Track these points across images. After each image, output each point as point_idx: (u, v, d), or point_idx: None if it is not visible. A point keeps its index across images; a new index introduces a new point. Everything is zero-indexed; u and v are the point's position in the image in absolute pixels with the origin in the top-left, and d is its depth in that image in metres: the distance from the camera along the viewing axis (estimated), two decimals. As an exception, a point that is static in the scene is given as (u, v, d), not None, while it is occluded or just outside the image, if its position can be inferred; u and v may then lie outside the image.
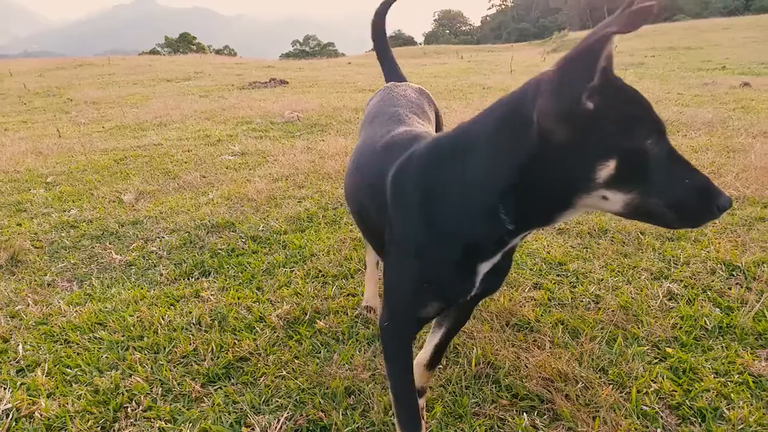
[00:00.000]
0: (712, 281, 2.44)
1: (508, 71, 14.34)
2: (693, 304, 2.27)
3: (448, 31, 70.68)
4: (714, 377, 1.85)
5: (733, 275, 2.50)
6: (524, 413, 1.73)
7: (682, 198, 1.03)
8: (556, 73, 0.99)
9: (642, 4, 0.94)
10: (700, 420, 1.68)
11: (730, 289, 2.38)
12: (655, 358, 1.97)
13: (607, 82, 0.97)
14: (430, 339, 1.67)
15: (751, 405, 1.72)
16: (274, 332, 2.21)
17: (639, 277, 2.54)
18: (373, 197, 1.42)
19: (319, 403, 1.79)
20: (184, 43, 51.21)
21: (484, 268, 1.25)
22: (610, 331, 2.12)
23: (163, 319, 2.36)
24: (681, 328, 2.13)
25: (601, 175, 0.99)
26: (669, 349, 2.00)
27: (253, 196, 4.01)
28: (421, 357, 1.68)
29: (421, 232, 1.23)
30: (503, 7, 75.65)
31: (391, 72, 2.27)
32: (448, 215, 1.18)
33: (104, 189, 4.44)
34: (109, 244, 3.30)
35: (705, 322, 2.14)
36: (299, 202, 3.87)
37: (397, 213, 1.29)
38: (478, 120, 1.19)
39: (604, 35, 0.93)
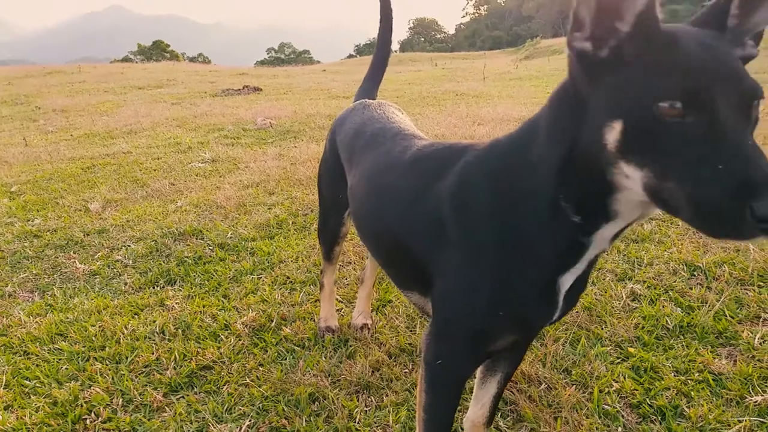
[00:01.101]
0: (674, 281, 2.49)
1: (481, 78, 14.47)
2: (655, 304, 2.31)
3: (423, 39, 71.20)
4: (674, 376, 1.88)
5: (695, 275, 2.55)
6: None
7: (708, 192, 0.76)
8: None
9: None
10: (660, 418, 1.70)
11: (691, 289, 2.42)
12: (618, 357, 2.00)
13: (641, 30, 0.84)
14: (483, 390, 1.47)
15: (711, 402, 1.75)
16: (239, 340, 2.19)
17: (604, 279, 2.57)
18: (414, 220, 1.27)
19: (283, 410, 1.78)
20: (157, 51, 50.68)
21: (567, 281, 1.10)
22: (574, 332, 2.14)
23: (125, 328, 2.31)
24: (643, 327, 2.16)
25: (609, 138, 0.84)
26: (631, 349, 2.02)
27: (222, 203, 3.97)
28: (475, 415, 1.50)
29: (498, 249, 1.09)
30: (477, 15, 76.50)
31: (371, 89, 2.16)
32: (522, 223, 1.06)
33: (70, 198, 4.36)
34: (74, 253, 3.24)
35: (666, 321, 2.18)
36: (269, 208, 3.84)
37: (463, 233, 1.13)
38: (541, 110, 1.08)
39: None
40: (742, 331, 2.09)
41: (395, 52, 59.27)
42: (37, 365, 2.11)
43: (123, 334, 2.27)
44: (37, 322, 2.43)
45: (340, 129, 1.82)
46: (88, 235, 3.51)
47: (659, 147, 0.79)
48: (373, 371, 1.96)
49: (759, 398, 1.74)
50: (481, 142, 1.24)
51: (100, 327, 2.34)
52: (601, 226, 1.01)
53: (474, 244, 1.12)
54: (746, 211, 0.72)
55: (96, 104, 11.17)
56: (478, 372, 1.46)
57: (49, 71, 19.75)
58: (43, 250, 3.30)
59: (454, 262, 1.15)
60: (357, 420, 1.73)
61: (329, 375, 1.94)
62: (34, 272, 2.99)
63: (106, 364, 2.08)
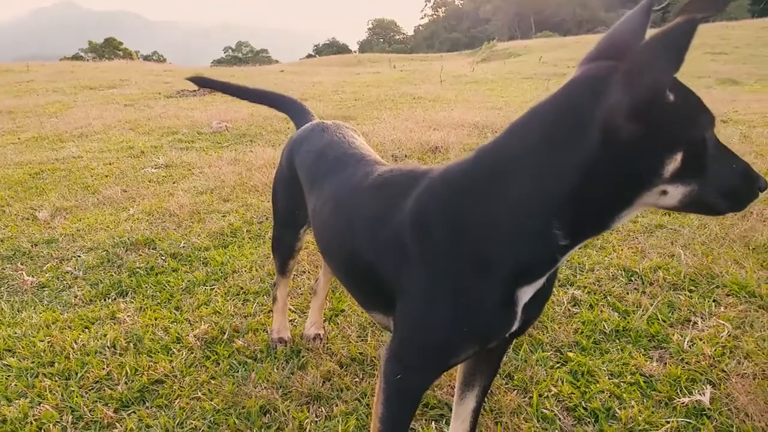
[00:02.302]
0: (613, 287, 2.62)
1: (438, 81, 14.66)
2: (594, 310, 2.43)
3: (382, 40, 71.46)
4: (608, 379, 1.99)
5: (632, 280, 2.69)
6: (433, 422, 1.81)
7: (733, 184, 1.05)
8: (634, 63, 0.94)
9: None
10: (593, 420, 1.81)
11: (628, 294, 2.56)
12: (557, 362, 2.10)
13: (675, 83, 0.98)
14: (462, 406, 1.52)
15: (642, 404, 1.87)
16: (191, 353, 2.20)
17: (556, 277, 2.68)
18: (376, 243, 1.32)
19: (234, 423, 1.81)
20: (109, 49, 49.24)
21: (526, 294, 1.17)
22: (517, 338, 2.24)
23: (75, 343, 2.30)
24: (582, 332, 2.28)
25: (669, 170, 0.99)
26: (570, 354, 2.13)
27: (175, 210, 3.94)
28: (457, 430, 1.55)
29: (456, 268, 1.15)
30: (435, 17, 77.27)
31: (302, 114, 2.20)
32: (489, 244, 1.11)
33: (17, 206, 4.24)
34: (21, 264, 3.17)
35: (604, 326, 2.30)
36: (223, 216, 3.84)
37: (423, 253, 1.19)
38: (508, 136, 1.13)
39: (695, 20, 0.90)
40: (673, 335, 2.23)
41: (354, 52, 59.30)
42: (-18, 383, 2.08)
43: (73, 348, 2.25)
44: (-18, 337, 2.38)
45: (299, 150, 1.85)
46: (36, 245, 3.44)
47: (704, 165, 1.02)
48: (324, 381, 2.01)
49: (686, 399, 1.87)
50: (436, 167, 1.31)
51: (49, 342, 2.31)
52: (584, 241, 1.13)
53: (433, 267, 1.18)
54: (756, 189, 1.07)
55: (45, 105, 10.82)
56: (456, 388, 1.53)
57: (-6, 69, 19.00)
58: (-12, 262, 3.22)
59: (414, 283, 1.21)
60: (307, 431, 1.78)
61: (281, 387, 1.98)
62: (-21, 285, 2.92)
63: (56, 381, 2.07)
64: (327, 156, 1.69)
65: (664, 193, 1.02)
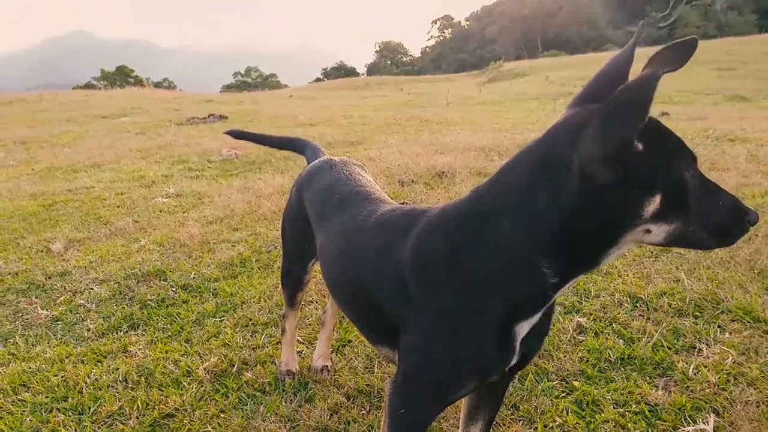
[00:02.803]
0: (618, 313, 2.63)
1: (445, 103, 14.79)
2: (599, 337, 2.45)
3: (389, 62, 72.20)
4: (613, 408, 2.00)
5: (637, 307, 2.70)
6: (439, 455, 1.82)
7: (719, 220, 1.09)
8: (602, 116, 1.02)
9: (683, 39, 1.02)
10: (599, 451, 1.82)
11: (633, 320, 2.57)
12: (563, 391, 2.12)
13: (648, 124, 1.02)
14: None
15: (646, 433, 1.88)
16: (201, 386, 2.24)
17: (553, 312, 2.70)
18: (379, 280, 1.38)
19: (243, 457, 1.84)
20: (121, 76, 50.17)
21: (523, 329, 1.21)
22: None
23: (88, 377, 2.34)
24: (587, 361, 2.29)
25: (648, 210, 1.04)
26: (575, 383, 2.15)
27: (186, 241, 4.01)
28: None
29: (454, 305, 1.20)
30: (442, 38, 78.04)
31: (314, 152, 2.25)
32: (484, 283, 1.16)
33: (32, 238, 4.33)
34: (35, 298, 3.24)
35: (609, 354, 2.31)
36: (233, 245, 3.90)
37: (422, 291, 1.24)
38: (499, 179, 1.20)
39: (656, 76, 0.96)
40: (678, 362, 2.24)
41: (362, 75, 59.91)
42: (0, 417, 2.12)
43: (86, 383, 2.29)
44: (0, 372, 2.44)
45: (308, 187, 1.92)
46: (50, 278, 3.51)
47: (686, 204, 1.07)
48: (331, 414, 2.04)
49: (690, 429, 1.87)
50: (434, 207, 1.37)
51: (62, 377, 2.36)
52: (575, 279, 1.18)
53: (432, 304, 1.23)
54: (746, 223, 1.11)
55: (58, 135, 11.05)
56: (461, 421, 1.57)
57: (9, 100, 19.42)
58: (4, 295, 3.29)
59: (416, 319, 1.26)
60: (315, 464, 1.80)
61: (288, 420, 2.01)
62: (-5, 319, 2.99)
63: (69, 416, 2.11)
64: (334, 194, 1.76)
65: (648, 231, 1.08)
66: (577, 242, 1.10)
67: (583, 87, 1.19)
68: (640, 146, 1.02)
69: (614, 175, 1.02)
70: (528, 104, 14.30)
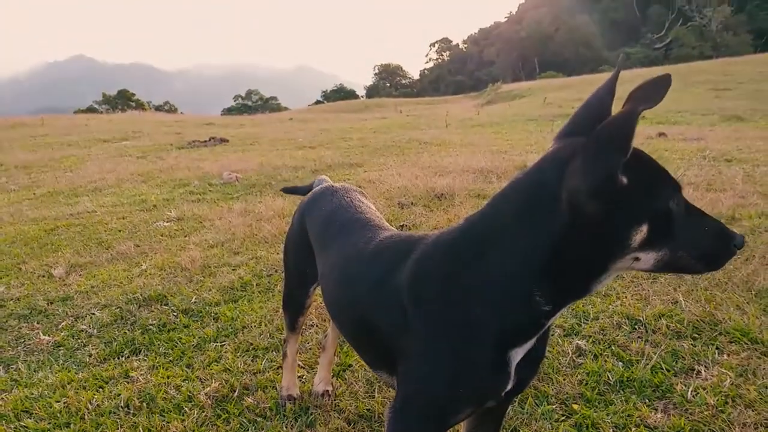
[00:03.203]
0: (617, 336, 2.65)
1: (444, 125, 14.90)
2: (598, 360, 2.46)
3: (388, 84, 72.84)
4: (613, 431, 2.01)
5: (636, 329, 2.72)
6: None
7: (706, 245, 1.14)
8: (587, 151, 1.07)
9: (659, 76, 1.07)
10: (599, 474, 1.82)
11: (632, 342, 2.59)
12: (562, 415, 2.13)
13: (633, 156, 1.06)
14: None
15: (647, 456, 1.89)
16: (203, 412, 2.25)
17: (552, 335, 2.72)
18: (378, 307, 1.41)
19: (244, 483, 1.84)
20: (122, 100, 50.59)
21: (518, 355, 1.24)
22: (523, 392, 2.27)
23: (90, 403, 2.35)
24: (587, 384, 2.30)
25: (636, 240, 1.08)
26: (575, 405, 2.16)
27: (187, 265, 4.03)
28: None
29: (449, 332, 1.23)
30: (440, 60, 78.84)
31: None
32: (478, 310, 1.19)
33: (33, 263, 4.36)
34: (37, 323, 3.25)
35: (608, 377, 2.32)
36: (234, 269, 3.92)
37: (419, 318, 1.27)
38: (490, 210, 1.24)
39: (636, 113, 1.02)
40: (677, 384, 2.25)
41: (361, 97, 60.43)
42: (0, 445, 2.13)
43: (88, 409, 2.30)
44: (2, 398, 2.45)
45: (310, 213, 1.96)
46: (51, 303, 3.53)
47: (672, 232, 1.11)
48: (332, 439, 2.04)
49: (690, 450, 1.88)
50: (431, 234, 1.40)
51: (64, 403, 2.37)
52: (567, 306, 1.22)
53: (429, 330, 1.26)
54: (732, 247, 1.15)
55: (60, 159, 11.12)
56: None
57: (11, 124, 19.57)
58: (6, 321, 3.31)
59: (413, 345, 1.29)
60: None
61: (290, 445, 2.02)
62: (-3, 345, 3.00)
63: (70, 442, 2.11)
64: (335, 220, 1.80)
65: (637, 259, 1.12)
66: (568, 271, 1.14)
67: (568, 120, 1.24)
68: (624, 180, 1.06)
69: (601, 207, 1.07)
70: (526, 126, 14.39)
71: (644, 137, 10.18)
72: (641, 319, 2.78)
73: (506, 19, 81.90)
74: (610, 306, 2.96)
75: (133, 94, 55.08)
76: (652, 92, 1.06)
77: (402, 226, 4.77)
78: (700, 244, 1.14)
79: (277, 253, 4.16)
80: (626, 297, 3.05)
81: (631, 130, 1.03)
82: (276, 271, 3.81)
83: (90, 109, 44.75)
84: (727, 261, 1.19)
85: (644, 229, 1.09)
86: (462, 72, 69.10)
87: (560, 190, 1.10)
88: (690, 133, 10.20)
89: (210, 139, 12.65)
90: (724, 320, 2.68)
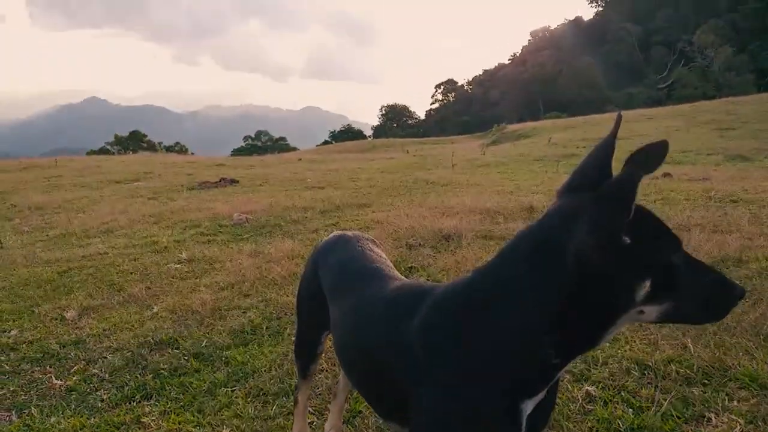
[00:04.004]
0: (627, 381, 2.65)
1: (450, 165, 15.05)
2: (608, 406, 2.46)
3: (395, 125, 73.79)
4: (624, 480, 2.00)
5: (645, 374, 2.72)
6: None
7: (707, 297, 1.18)
8: (591, 212, 1.12)
9: (657, 142, 1.13)
10: None
11: (642, 388, 2.59)
12: (573, 463, 2.12)
13: (635, 213, 1.11)
14: None
15: (659, 505, 1.87)
16: (214, 458, 2.26)
17: (562, 380, 2.72)
18: (389, 358, 1.43)
19: None
20: (134, 141, 51.49)
21: (528, 406, 1.25)
22: (533, 438, 2.27)
23: (102, 449, 2.37)
24: (597, 431, 2.30)
25: (640, 294, 1.13)
26: (586, 454, 2.15)
27: (197, 307, 4.07)
28: None
29: (459, 384, 1.24)
30: (446, 101, 80.00)
31: None
32: (489, 362, 1.21)
33: (46, 306, 4.41)
34: (50, 367, 3.28)
35: (619, 424, 2.32)
36: (244, 312, 3.96)
37: (429, 369, 1.30)
38: (498, 263, 1.28)
39: (638, 176, 1.08)
40: None
41: (369, 137, 61.20)
42: (12, 492, 2.14)
43: (99, 456, 2.32)
44: (14, 445, 2.47)
45: (324, 261, 1.99)
46: (64, 347, 3.56)
47: (675, 285, 1.15)
48: (343, 487, 2.05)
49: (702, 500, 1.87)
50: (440, 285, 1.45)
51: (76, 449, 2.39)
52: (576, 357, 1.26)
53: (439, 383, 1.28)
54: (733, 298, 1.20)
55: (72, 200, 11.28)
56: None
57: (25, 166, 19.89)
58: (19, 365, 3.34)
59: (424, 396, 1.31)
60: None
61: (301, 493, 2.02)
62: (12, 389, 3.03)
63: (82, 489, 2.13)
64: (347, 269, 1.85)
65: (641, 312, 1.17)
66: (575, 325, 1.18)
67: (571, 175, 1.29)
68: (627, 239, 1.12)
69: (605, 264, 1.12)
70: (531, 166, 14.54)
71: (649, 178, 10.19)
72: (651, 364, 2.78)
73: (510, 61, 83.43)
74: (619, 351, 2.97)
75: (145, 135, 56.03)
76: (651, 158, 1.13)
77: (411, 267, 4.81)
78: (701, 296, 1.18)
79: (287, 296, 4.20)
80: (635, 341, 3.06)
81: (633, 193, 1.08)
82: (286, 314, 3.84)
83: (102, 150, 45.56)
84: (728, 312, 1.24)
85: (647, 284, 1.13)
86: (467, 112, 70.00)
87: (565, 248, 1.14)
88: (695, 173, 10.26)
89: (220, 180, 12.82)
90: (734, 366, 2.68)
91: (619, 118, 1.28)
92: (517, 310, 1.20)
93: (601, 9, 79.25)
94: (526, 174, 12.53)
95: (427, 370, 1.31)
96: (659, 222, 1.20)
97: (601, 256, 1.11)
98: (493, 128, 34.17)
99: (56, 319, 4.12)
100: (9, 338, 3.74)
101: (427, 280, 4.38)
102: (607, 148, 1.25)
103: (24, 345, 3.62)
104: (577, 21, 78.49)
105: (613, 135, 1.26)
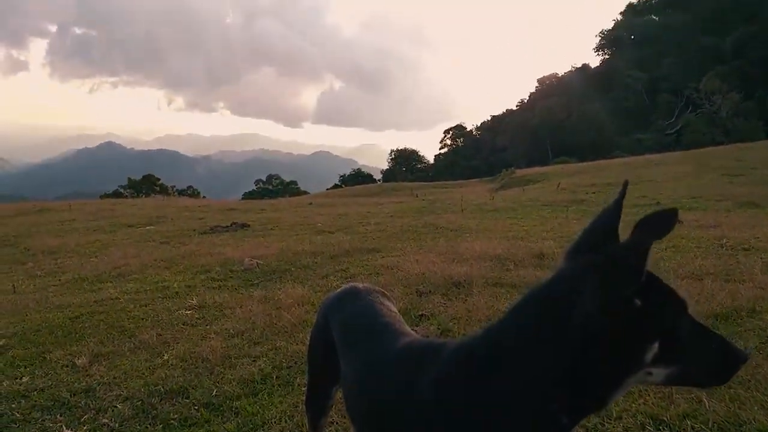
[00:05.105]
0: (641, 437, 2.61)
1: (459, 210, 15.11)
2: (623, 463, 2.42)
3: (404, 169, 74.41)
4: None
5: (660, 429, 2.68)
6: None
7: (713, 362, 1.20)
8: (602, 276, 1.13)
9: (666, 209, 1.16)
10: None
11: (657, 444, 2.55)
12: None
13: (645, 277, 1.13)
14: None
15: None
16: None
17: (575, 435, 2.68)
18: (401, 416, 1.44)
19: None
20: (147, 185, 52.27)
21: None
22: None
23: (110, 502, 2.35)
24: (612, 489, 2.26)
25: (648, 357, 1.15)
26: None
27: (207, 355, 4.07)
28: None
29: None
30: (454, 146, 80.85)
31: None
32: (499, 422, 1.22)
33: (58, 352, 4.43)
34: (60, 416, 3.28)
35: (634, 481, 2.28)
36: (254, 360, 3.95)
37: (441, 427, 1.30)
38: (507, 322, 1.30)
39: (648, 242, 1.11)
40: (705, 491, 2.20)
41: (378, 181, 61.69)
42: None
43: None
44: (21, 496, 2.46)
45: (334, 315, 2.00)
46: (74, 395, 3.57)
47: (682, 348, 1.17)
48: None
49: None
50: (450, 342, 1.46)
51: (84, 502, 2.37)
52: (585, 418, 1.27)
53: None
54: (737, 362, 1.22)
55: (85, 244, 11.41)
56: None
57: (39, 209, 20.21)
58: (30, 413, 3.34)
59: None
60: None
61: None
62: (20, 439, 3.03)
63: None
64: (358, 324, 1.86)
65: (649, 373, 1.19)
66: (583, 386, 1.19)
67: (578, 237, 1.32)
68: (638, 302, 1.14)
69: (615, 326, 1.14)
70: (541, 211, 14.53)
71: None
72: (666, 419, 2.74)
73: (518, 107, 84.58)
74: (633, 405, 2.93)
75: (158, 179, 56.88)
76: (661, 224, 1.15)
77: (421, 315, 4.81)
78: (707, 360, 1.20)
79: (297, 344, 4.20)
80: (649, 395, 3.02)
81: (646, 258, 1.11)
82: (296, 363, 3.83)
83: (116, 194, 46.23)
84: (732, 376, 1.25)
85: (655, 346, 1.15)
86: (476, 157, 70.59)
87: (575, 309, 1.16)
88: (706, 220, 10.23)
89: (232, 224, 12.95)
90: (749, 420, 2.64)
91: (625, 186, 1.32)
92: (526, 370, 1.21)
93: (607, 57, 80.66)
94: (536, 219, 12.54)
95: (440, 428, 1.32)
96: (667, 286, 1.22)
97: (611, 318, 1.13)
98: (502, 173, 34.35)
99: (67, 366, 4.14)
100: (20, 385, 3.75)
101: (438, 328, 4.37)
102: (614, 212, 1.29)
103: (35, 392, 3.63)
104: (584, 68, 79.77)
105: (620, 200, 1.30)
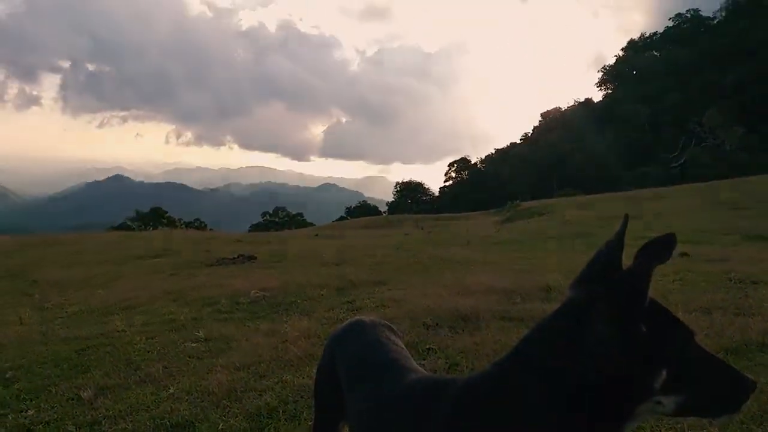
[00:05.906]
0: (653, 473, 2.57)
1: (465, 242, 15.11)
2: (635, 500, 2.37)
3: (409, 201, 74.67)
4: None
5: (673, 465, 2.64)
6: None
7: (722, 388, 1.19)
8: (607, 303, 1.15)
9: (665, 235, 1.19)
10: None
11: (670, 481, 2.51)
12: None
13: (648, 303, 1.15)
14: None
15: None
16: None
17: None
18: None
19: None
20: (155, 217, 52.61)
21: None
22: None
23: None
24: None
25: (657, 384, 1.14)
26: None
27: (214, 389, 4.04)
28: None
29: None
30: (459, 179, 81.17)
31: None
32: None
33: (63, 385, 4.41)
34: (65, 450, 3.26)
35: None
36: (260, 394, 3.92)
37: None
38: (515, 357, 1.30)
39: (651, 267, 1.14)
40: None
41: (384, 213, 61.85)
42: None
43: None
44: None
45: (340, 350, 1.99)
46: (80, 428, 3.55)
47: (690, 376, 1.17)
48: None
49: None
50: (459, 379, 1.46)
51: None
52: None
53: None
54: (747, 391, 1.20)
55: (93, 276, 11.46)
56: None
57: (48, 242, 20.34)
58: (35, 447, 3.33)
59: None
60: None
61: None
62: (25, 473, 3.01)
63: None
64: (364, 359, 1.84)
65: (659, 403, 1.18)
66: (594, 417, 1.18)
67: (582, 269, 1.34)
68: (644, 327, 1.16)
69: (622, 353, 1.15)
70: (546, 244, 14.53)
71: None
72: (678, 454, 2.70)
73: (522, 140, 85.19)
74: (645, 440, 2.89)
75: (165, 212, 57.25)
76: (661, 250, 1.18)
77: (428, 349, 4.77)
78: (716, 387, 1.20)
79: (303, 377, 4.17)
80: (660, 430, 2.98)
81: (648, 281, 1.14)
82: (302, 397, 3.80)
83: (123, 226, 46.49)
84: (743, 403, 1.24)
85: (664, 373, 1.16)
86: (481, 189, 70.78)
87: (582, 339, 1.18)
88: (713, 254, 10.19)
89: (238, 257, 12.98)
90: (764, 458, 2.59)
91: (626, 218, 1.35)
92: (536, 404, 1.21)
93: (610, 91, 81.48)
94: (542, 252, 12.52)
95: None
96: (671, 313, 1.24)
97: (618, 344, 1.15)
98: (507, 205, 34.41)
99: (73, 399, 4.12)
100: (26, 419, 3.74)
101: (446, 362, 4.34)
102: (616, 243, 1.31)
103: (40, 426, 3.61)
104: (587, 102, 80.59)
105: (622, 232, 1.32)
